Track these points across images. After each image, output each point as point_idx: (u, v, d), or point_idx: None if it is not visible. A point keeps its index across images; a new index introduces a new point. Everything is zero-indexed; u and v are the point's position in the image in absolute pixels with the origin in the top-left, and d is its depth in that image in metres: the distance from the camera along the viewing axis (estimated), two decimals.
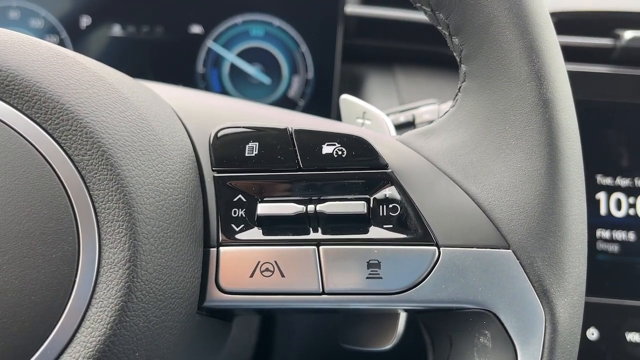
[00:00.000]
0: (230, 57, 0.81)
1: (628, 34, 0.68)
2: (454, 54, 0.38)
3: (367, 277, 0.34)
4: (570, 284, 0.33)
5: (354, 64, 0.84)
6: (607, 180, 0.65)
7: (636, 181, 0.65)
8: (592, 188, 0.65)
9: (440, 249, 0.33)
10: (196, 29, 0.81)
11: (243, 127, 0.37)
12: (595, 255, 0.64)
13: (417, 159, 0.36)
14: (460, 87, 0.37)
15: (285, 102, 0.82)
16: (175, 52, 0.81)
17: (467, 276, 0.33)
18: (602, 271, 0.64)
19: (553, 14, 0.72)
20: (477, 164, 0.35)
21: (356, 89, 0.84)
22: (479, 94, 0.36)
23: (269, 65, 0.82)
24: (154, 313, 0.31)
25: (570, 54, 0.72)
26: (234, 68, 0.81)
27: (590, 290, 0.65)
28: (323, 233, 0.35)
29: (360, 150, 0.36)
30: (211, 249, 0.35)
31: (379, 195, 0.35)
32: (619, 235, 0.64)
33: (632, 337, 0.62)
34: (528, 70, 0.34)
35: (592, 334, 0.62)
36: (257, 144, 0.36)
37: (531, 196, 0.33)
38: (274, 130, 0.36)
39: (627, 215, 0.65)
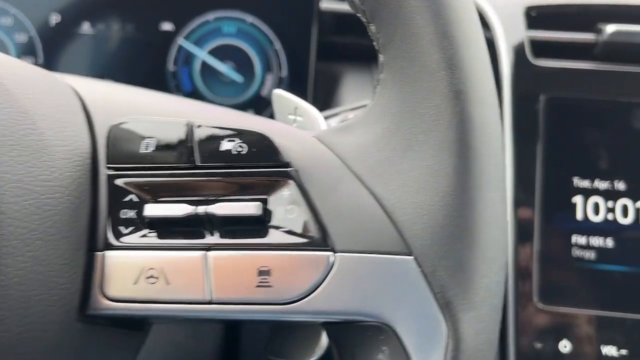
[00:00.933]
0: (202, 54, 0.79)
1: (610, 28, 0.64)
2: (374, 44, 0.35)
3: (257, 286, 0.31)
4: (478, 296, 0.29)
5: (331, 62, 0.81)
6: (585, 183, 0.61)
7: (616, 184, 0.61)
8: (568, 191, 0.61)
9: (337, 254, 0.30)
10: (167, 26, 0.79)
11: (141, 122, 0.34)
12: (571, 263, 0.60)
13: (325, 157, 0.33)
14: (378, 79, 0.34)
15: (258, 101, 0.79)
16: (145, 49, 0.79)
17: (363, 285, 0.30)
18: (577, 280, 0.60)
19: (532, 8, 0.68)
20: (384, 162, 0.31)
21: (333, 88, 0.81)
22: (392, 86, 0.33)
23: (242, 63, 0.79)
24: (15, 322, 0.28)
25: (550, 49, 0.68)
26: (205, 66, 0.79)
27: (564, 300, 0.61)
28: (220, 237, 0.32)
29: (261, 147, 0.33)
30: (97, 253, 0.33)
31: (277, 195, 0.32)
32: (596, 241, 0.60)
33: (607, 350, 0.58)
34: (438, 59, 0.31)
35: (565, 346, 0.58)
36: (154, 139, 0.33)
37: (436, 198, 0.29)
38: (174, 124, 0.34)
39: (606, 220, 0.60)
